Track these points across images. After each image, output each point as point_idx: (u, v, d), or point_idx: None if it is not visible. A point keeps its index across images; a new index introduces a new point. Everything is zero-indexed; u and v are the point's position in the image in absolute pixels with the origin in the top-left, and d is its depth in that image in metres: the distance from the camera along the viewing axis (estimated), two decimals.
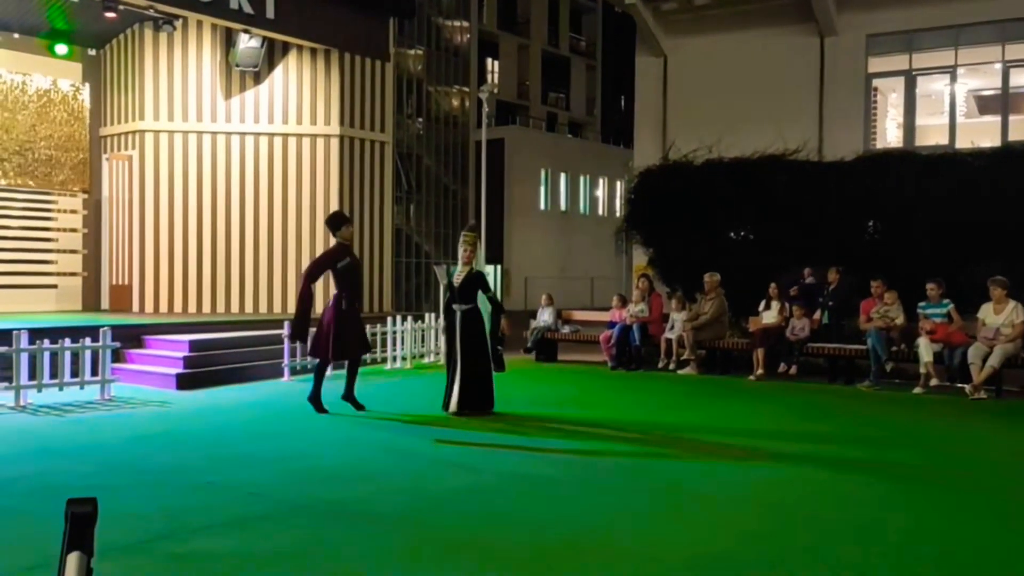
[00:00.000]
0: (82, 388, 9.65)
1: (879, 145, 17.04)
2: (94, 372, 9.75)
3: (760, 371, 11.85)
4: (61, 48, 14.94)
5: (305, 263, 15.35)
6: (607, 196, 44.34)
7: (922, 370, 10.55)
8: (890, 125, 18.11)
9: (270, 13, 14.41)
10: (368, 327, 12.73)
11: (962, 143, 16.06)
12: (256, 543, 4.45)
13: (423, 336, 13.93)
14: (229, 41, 15.17)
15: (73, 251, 15.33)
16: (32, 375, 9.28)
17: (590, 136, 48.07)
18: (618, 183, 41.03)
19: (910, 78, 16.77)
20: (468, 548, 4.41)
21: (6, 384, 9.10)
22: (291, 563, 4.15)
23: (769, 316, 12.23)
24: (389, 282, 16.81)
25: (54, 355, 9.51)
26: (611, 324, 13.43)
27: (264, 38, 14.90)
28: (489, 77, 42.80)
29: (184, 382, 10.46)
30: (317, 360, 9.00)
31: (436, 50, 34.00)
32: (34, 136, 14.57)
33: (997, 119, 16.32)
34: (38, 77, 14.68)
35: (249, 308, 15.39)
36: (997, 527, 4.91)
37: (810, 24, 16.96)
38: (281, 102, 15.57)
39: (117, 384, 9.98)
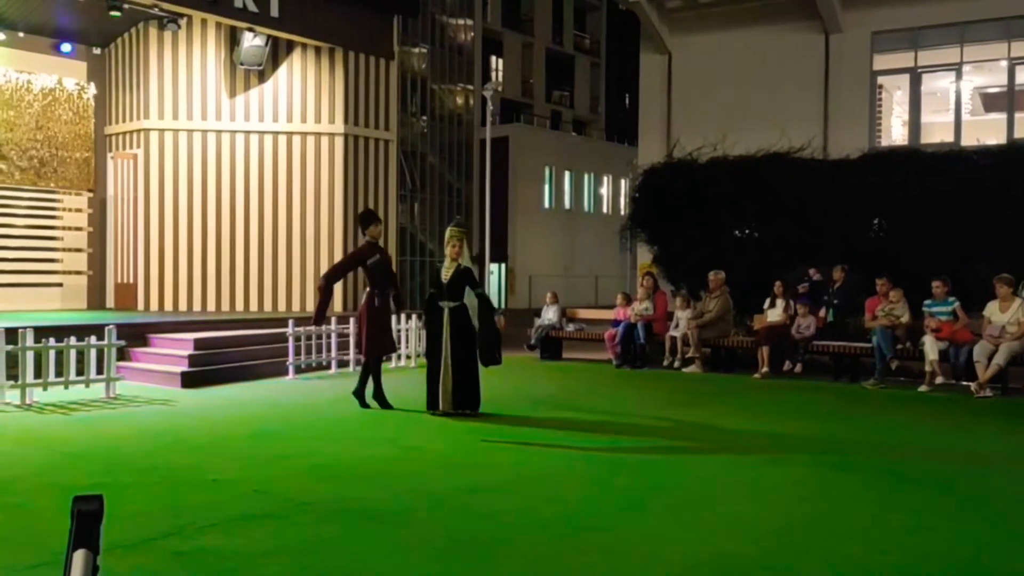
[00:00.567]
0: (87, 386, 9.67)
1: (884, 143, 17.00)
2: (99, 370, 9.77)
3: (765, 369, 11.83)
4: (66, 47, 14.97)
5: (309, 261, 15.45)
6: (611, 194, 44.30)
7: (927, 368, 10.53)
8: (895, 123, 18.06)
9: (274, 11, 14.42)
10: None
11: (967, 140, 16.00)
12: (261, 541, 4.45)
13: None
14: (234, 39, 15.19)
15: (78, 249, 15.36)
16: (37, 373, 9.30)
17: (594, 134, 48.01)
18: (622, 181, 40.97)
19: (915, 75, 16.72)
20: (471, 546, 4.41)
21: (12, 382, 9.12)
22: (295, 561, 4.15)
23: (774, 314, 12.22)
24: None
25: (59, 353, 9.53)
26: (615, 322, 13.41)
27: (268, 36, 14.92)
28: (493, 75, 42.79)
29: (189, 380, 10.48)
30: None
31: (440, 48, 34.01)
32: (39, 135, 14.60)
33: (1003, 116, 16.26)
34: (43, 76, 14.71)
35: (254, 306, 15.41)
36: (999, 526, 4.90)
37: (815, 21, 16.91)
38: (285, 100, 15.58)
39: (122, 382, 10.00)
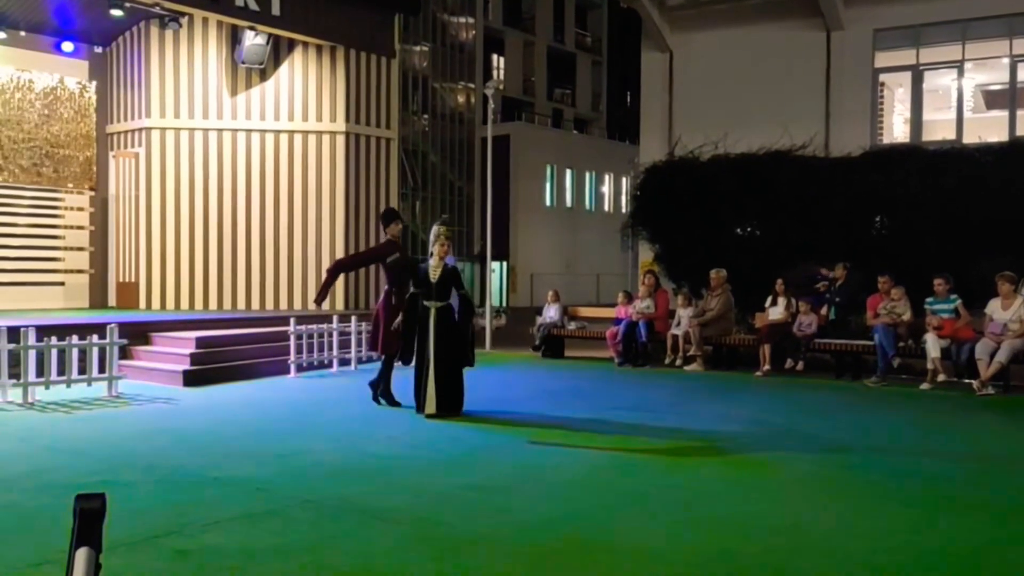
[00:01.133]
0: (89, 385, 9.68)
1: (886, 140, 16.98)
2: (101, 369, 9.78)
3: (766, 367, 11.83)
4: (67, 46, 14.98)
5: (311, 259, 15.46)
6: (613, 192, 44.31)
7: (929, 366, 10.52)
8: (897, 120, 18.04)
9: (276, 10, 14.42)
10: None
11: (969, 138, 15.97)
12: (262, 539, 4.46)
13: None
14: (235, 38, 15.19)
15: (80, 248, 15.38)
16: (40, 372, 9.31)
17: (596, 132, 48.01)
18: (624, 179, 40.98)
19: (917, 73, 16.70)
20: (473, 545, 4.41)
21: (14, 381, 9.13)
22: (297, 558, 4.15)
23: (776, 312, 12.21)
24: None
25: (61, 352, 9.54)
26: (617, 321, 13.42)
27: (270, 35, 14.92)
28: (495, 73, 42.78)
29: (190, 379, 10.48)
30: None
31: (442, 46, 34.02)
32: (41, 133, 14.61)
33: (1005, 114, 16.24)
34: (45, 75, 14.72)
35: (256, 305, 15.42)
36: (1002, 524, 4.89)
37: (816, 19, 16.89)
38: (287, 99, 15.59)
39: (124, 381, 10.00)
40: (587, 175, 42.77)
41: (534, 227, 38.91)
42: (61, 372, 9.53)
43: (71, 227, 15.26)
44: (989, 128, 16.54)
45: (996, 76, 16.88)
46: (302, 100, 15.64)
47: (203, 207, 15.31)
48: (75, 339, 9.66)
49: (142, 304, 15.21)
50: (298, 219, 15.51)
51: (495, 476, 5.93)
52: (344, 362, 12.37)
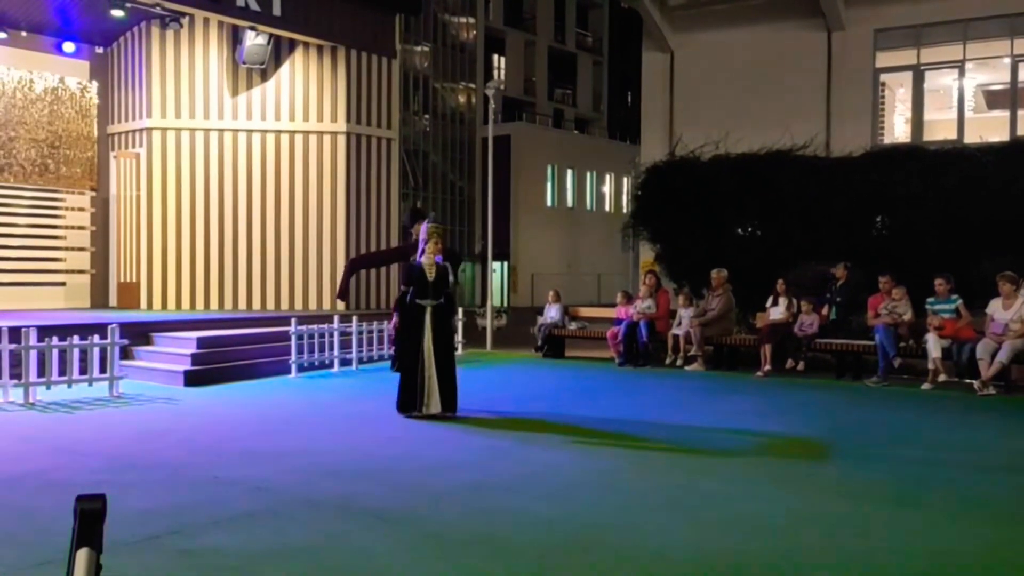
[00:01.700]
0: (90, 385, 9.69)
1: (887, 140, 16.96)
2: (102, 369, 9.79)
3: (767, 367, 11.83)
4: (68, 46, 14.99)
5: (312, 260, 15.47)
6: (614, 192, 44.30)
7: (930, 366, 10.51)
8: (898, 120, 18.03)
9: (276, 10, 14.44)
10: (376, 324, 12.80)
11: (970, 138, 15.96)
12: (263, 539, 4.46)
13: None
14: (236, 38, 15.20)
15: (81, 248, 15.39)
16: (41, 372, 9.31)
17: (597, 132, 48.00)
18: (625, 179, 40.97)
19: (918, 73, 16.69)
20: (474, 545, 4.41)
21: (15, 381, 9.13)
22: (298, 558, 4.16)
23: (776, 312, 12.21)
24: (396, 279, 16.84)
25: (63, 352, 9.54)
26: (618, 321, 13.42)
27: (271, 35, 14.93)
28: (495, 73, 42.77)
29: (192, 379, 10.49)
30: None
31: (442, 46, 34.03)
32: (42, 134, 14.62)
33: (1006, 114, 16.22)
34: (46, 75, 14.73)
35: (256, 305, 15.43)
36: (1003, 524, 4.89)
37: (817, 19, 16.88)
38: (288, 99, 15.60)
39: (125, 381, 10.01)
40: (588, 175, 42.76)
41: (535, 227, 38.90)
42: (62, 372, 9.53)
43: (72, 227, 15.27)
44: (990, 128, 16.53)
45: (997, 76, 16.87)
46: (303, 100, 15.64)
47: (204, 207, 15.31)
48: (76, 339, 9.66)
49: (143, 304, 15.22)
50: (299, 219, 15.51)
51: (495, 476, 5.92)
52: (345, 362, 12.37)
